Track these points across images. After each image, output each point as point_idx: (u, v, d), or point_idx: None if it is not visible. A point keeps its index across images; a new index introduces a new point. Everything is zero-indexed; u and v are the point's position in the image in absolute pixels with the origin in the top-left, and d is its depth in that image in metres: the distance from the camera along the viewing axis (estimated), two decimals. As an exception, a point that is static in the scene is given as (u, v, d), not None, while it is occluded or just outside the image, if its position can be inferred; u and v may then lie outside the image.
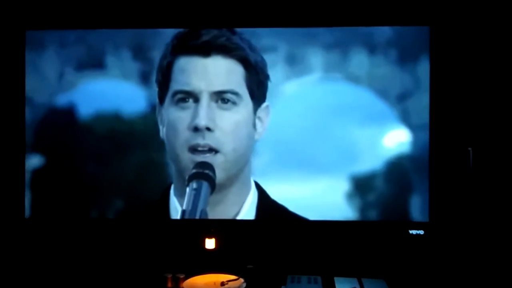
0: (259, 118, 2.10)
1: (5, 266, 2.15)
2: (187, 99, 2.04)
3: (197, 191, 2.01)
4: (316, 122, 2.14)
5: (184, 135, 2.05)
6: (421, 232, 2.11)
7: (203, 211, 2.02)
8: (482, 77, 2.09)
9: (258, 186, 2.14)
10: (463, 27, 2.09)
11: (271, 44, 2.14)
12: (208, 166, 2.04)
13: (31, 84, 2.19)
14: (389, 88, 2.11)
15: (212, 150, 2.04)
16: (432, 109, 2.09)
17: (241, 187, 2.12)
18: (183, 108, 2.05)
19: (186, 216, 2.01)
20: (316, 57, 2.13)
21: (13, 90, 2.19)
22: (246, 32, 2.11)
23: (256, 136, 2.11)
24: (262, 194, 2.13)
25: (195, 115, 2.03)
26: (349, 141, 2.13)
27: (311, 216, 2.14)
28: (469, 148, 2.02)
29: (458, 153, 2.08)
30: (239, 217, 2.12)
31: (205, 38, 2.07)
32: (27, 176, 2.19)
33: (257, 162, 2.13)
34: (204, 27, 2.10)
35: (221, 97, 2.04)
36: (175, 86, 2.06)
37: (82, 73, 2.18)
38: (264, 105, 2.11)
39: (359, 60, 2.12)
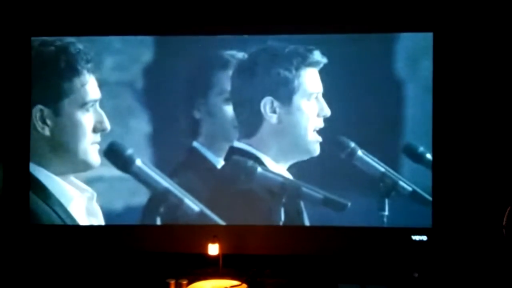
0: None
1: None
2: None
3: None
4: None
5: None
6: (424, 238, 2.11)
7: None
8: (487, 81, 2.11)
9: None
10: (467, 33, 2.12)
11: None
12: None
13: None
14: None
15: None
16: (434, 114, 2.11)
17: None
18: None
19: None
20: None
21: (19, 98, 2.19)
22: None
23: None
24: None
25: None
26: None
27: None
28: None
29: (462, 158, 2.10)
30: None
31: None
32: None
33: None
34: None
35: None
36: None
37: None
38: None
39: None
